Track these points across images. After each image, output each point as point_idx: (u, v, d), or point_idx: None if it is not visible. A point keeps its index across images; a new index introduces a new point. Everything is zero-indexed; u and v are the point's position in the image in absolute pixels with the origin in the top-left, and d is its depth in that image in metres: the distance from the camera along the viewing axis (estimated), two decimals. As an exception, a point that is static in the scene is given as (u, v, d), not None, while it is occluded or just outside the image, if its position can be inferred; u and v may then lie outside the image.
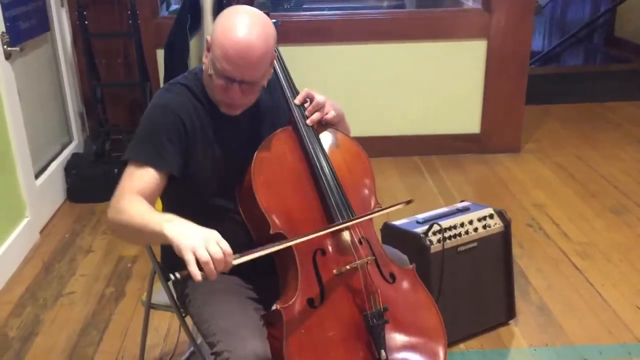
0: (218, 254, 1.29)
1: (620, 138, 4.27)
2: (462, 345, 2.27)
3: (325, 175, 1.57)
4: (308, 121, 1.62)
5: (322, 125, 1.66)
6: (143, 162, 1.48)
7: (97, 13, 3.68)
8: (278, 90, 1.66)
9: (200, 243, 1.29)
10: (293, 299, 1.44)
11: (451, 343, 2.24)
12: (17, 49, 2.94)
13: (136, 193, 1.45)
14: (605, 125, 4.55)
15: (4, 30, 2.88)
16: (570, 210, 3.28)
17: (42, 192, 3.23)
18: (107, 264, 2.88)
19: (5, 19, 2.92)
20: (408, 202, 1.57)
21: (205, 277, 1.29)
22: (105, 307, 2.56)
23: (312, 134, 1.61)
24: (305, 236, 1.45)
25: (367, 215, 1.57)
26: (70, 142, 3.78)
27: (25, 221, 3.01)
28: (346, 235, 1.54)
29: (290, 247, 1.47)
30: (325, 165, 1.58)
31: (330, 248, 1.53)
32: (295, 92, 1.67)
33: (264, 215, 1.49)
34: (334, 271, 1.49)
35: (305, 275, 1.48)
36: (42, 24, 3.42)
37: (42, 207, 3.22)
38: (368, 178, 1.69)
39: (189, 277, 1.28)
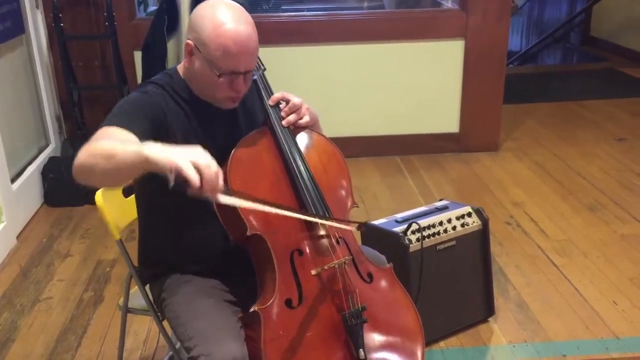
0: (214, 165, 1.24)
1: (597, 136, 4.33)
2: (442, 343, 2.28)
3: (301, 175, 1.56)
4: (284, 122, 1.62)
5: (297, 127, 1.66)
6: (117, 125, 1.40)
7: (73, 15, 3.64)
8: (253, 91, 1.65)
9: (192, 152, 1.24)
10: (271, 300, 1.44)
11: (431, 341, 2.26)
12: (-9, 51, 2.90)
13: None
14: (582, 123, 4.61)
15: (-23, 32, 2.84)
16: (548, 208, 3.31)
17: (18, 197, 3.19)
18: (85, 268, 2.85)
19: (-21, 22, 2.88)
20: (360, 227, 1.59)
21: (199, 190, 1.21)
22: (84, 312, 2.54)
23: (288, 135, 1.61)
24: (289, 212, 1.45)
25: (331, 220, 1.55)
26: (47, 145, 3.74)
27: (1, 226, 2.97)
28: (323, 235, 1.54)
29: (268, 248, 1.47)
30: (301, 165, 1.58)
31: (307, 249, 1.52)
32: (270, 93, 1.66)
33: (240, 216, 1.48)
34: (312, 271, 1.49)
35: (283, 276, 1.47)
36: (17, 26, 3.37)
37: (18, 212, 3.18)
38: (344, 178, 1.69)
39: (186, 184, 1.20)
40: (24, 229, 3.20)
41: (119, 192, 1.81)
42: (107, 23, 3.53)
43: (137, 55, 3.64)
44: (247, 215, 1.49)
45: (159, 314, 1.71)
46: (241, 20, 1.47)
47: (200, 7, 1.50)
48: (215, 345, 1.41)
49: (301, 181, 1.56)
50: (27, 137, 3.54)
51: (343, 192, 1.68)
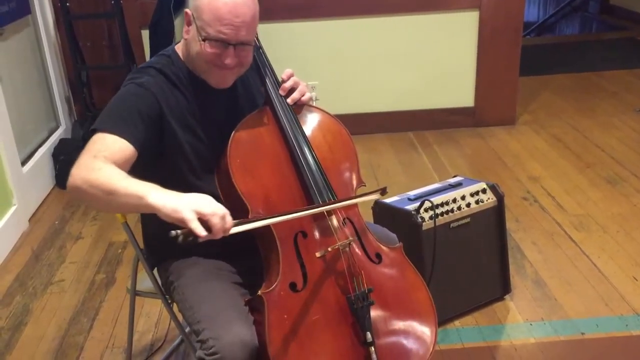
0: (219, 210, 1.24)
1: (616, 107, 4.22)
2: (457, 322, 2.24)
3: (304, 156, 1.52)
4: (288, 100, 1.57)
5: (299, 105, 1.60)
6: (111, 131, 1.39)
7: (79, -6, 3.59)
8: (254, 69, 1.59)
9: (197, 201, 1.24)
10: (275, 284, 1.40)
11: (446, 320, 2.22)
12: (-4, 33, 2.87)
13: (109, 159, 1.35)
14: (601, 94, 4.49)
15: (-19, 14, 2.81)
16: (565, 182, 3.24)
17: (29, 179, 3.18)
18: (97, 250, 2.84)
19: (-17, 3, 2.85)
20: (383, 192, 1.52)
21: (208, 237, 1.22)
22: (96, 294, 2.53)
23: (290, 114, 1.56)
24: (293, 213, 1.41)
25: (342, 201, 1.51)
26: (57, 127, 3.72)
27: (12, 209, 2.96)
28: (328, 216, 1.49)
29: (270, 231, 1.43)
30: (304, 145, 1.53)
31: (311, 230, 1.48)
32: (271, 70, 1.60)
33: (242, 199, 1.44)
34: (317, 254, 1.45)
35: (287, 259, 1.44)
36: (23, 7, 3.34)
37: (30, 195, 3.17)
38: (350, 157, 1.64)
39: (191, 234, 1.21)
40: (35, 211, 3.20)
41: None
42: (113, 1, 3.48)
43: (145, 34, 3.59)
44: (248, 198, 1.45)
45: (167, 297, 1.68)
46: None
47: None
48: (223, 328, 1.39)
49: (304, 162, 1.51)
50: (37, 119, 3.53)
51: (349, 172, 1.62)
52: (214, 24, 1.40)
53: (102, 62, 3.78)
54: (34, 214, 3.17)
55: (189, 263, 1.58)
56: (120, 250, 2.82)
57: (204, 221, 1.22)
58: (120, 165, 1.36)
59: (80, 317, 2.39)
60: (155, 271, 1.71)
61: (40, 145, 3.45)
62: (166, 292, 1.67)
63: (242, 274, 1.57)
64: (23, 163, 3.18)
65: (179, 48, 1.55)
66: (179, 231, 1.21)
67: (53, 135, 3.61)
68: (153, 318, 2.36)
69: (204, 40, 1.42)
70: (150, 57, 3.41)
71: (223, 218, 1.24)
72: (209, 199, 1.26)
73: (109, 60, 3.77)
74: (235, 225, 1.28)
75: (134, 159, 1.41)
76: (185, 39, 1.50)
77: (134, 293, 1.83)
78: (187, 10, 1.47)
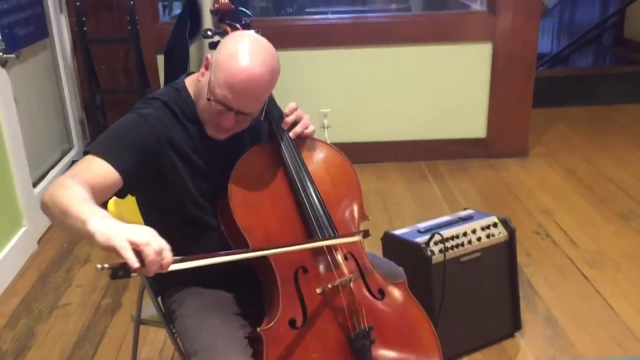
0: (155, 243, 1.13)
1: (630, 141, 4.18)
2: (465, 359, 2.20)
3: (306, 192, 1.49)
4: (291, 134, 1.55)
5: (302, 138, 1.59)
6: (101, 155, 1.38)
7: (97, 18, 3.65)
8: None
9: (133, 231, 1.14)
10: (274, 321, 1.38)
11: (454, 357, 2.18)
12: (13, 55, 2.90)
13: (85, 180, 1.32)
14: (615, 127, 4.46)
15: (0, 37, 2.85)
16: (578, 217, 3.20)
17: (40, 201, 3.18)
18: (104, 274, 2.80)
19: (2, 26, 2.89)
20: (365, 235, 1.49)
21: (142, 271, 1.12)
22: (101, 319, 2.51)
23: (292, 148, 1.54)
24: (269, 249, 1.36)
25: (318, 241, 1.46)
26: (70, 149, 3.74)
27: (22, 230, 2.97)
28: (328, 252, 1.47)
29: (270, 265, 1.41)
30: (306, 180, 1.51)
31: (312, 266, 1.46)
32: (274, 105, 1.60)
33: (242, 235, 1.43)
34: (317, 290, 1.42)
35: (287, 294, 1.41)
36: (41, 30, 3.38)
37: (40, 216, 3.13)
38: (353, 190, 1.61)
39: (122, 267, 1.10)
40: (45, 233, 3.20)
41: (132, 200, 1.77)
42: (130, 27, 3.52)
43: (160, 59, 3.62)
44: (249, 233, 1.43)
45: (170, 326, 1.66)
46: (259, 61, 1.38)
47: (236, 33, 1.48)
48: None
49: (305, 198, 1.49)
50: (50, 141, 3.55)
51: (352, 206, 1.60)
52: (223, 87, 1.38)
53: (117, 86, 3.81)
54: (43, 236, 3.17)
55: (191, 293, 1.57)
56: (127, 275, 2.80)
57: (137, 252, 1.12)
58: (100, 189, 1.34)
59: (85, 343, 2.37)
60: (160, 299, 1.69)
61: (52, 167, 3.47)
62: (169, 321, 1.66)
63: (245, 304, 1.55)
64: (35, 184, 3.19)
65: (189, 82, 1.54)
66: (106, 265, 1.10)
67: (66, 157, 3.63)
68: (157, 345, 2.33)
69: (208, 99, 1.41)
70: (165, 81, 3.45)
71: (159, 252, 1.13)
72: (148, 231, 1.16)
73: (123, 84, 3.81)
74: (178, 262, 1.18)
75: (117, 186, 1.39)
76: (199, 81, 1.49)
77: (139, 322, 1.82)
78: (208, 55, 1.45)
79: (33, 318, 2.53)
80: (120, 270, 1.11)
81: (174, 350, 2.15)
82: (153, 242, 1.13)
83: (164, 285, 1.65)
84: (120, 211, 1.69)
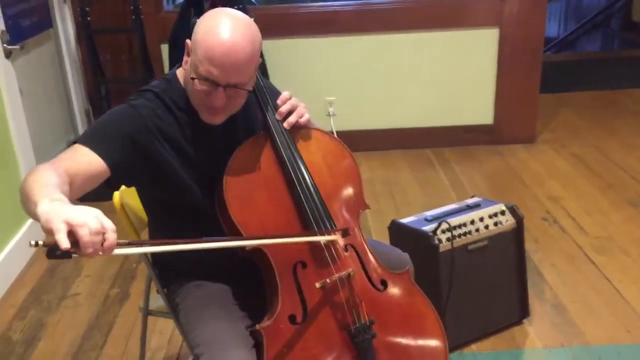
0: (94, 224, 1.06)
1: (638, 126, 4.14)
2: (473, 347, 2.20)
3: (301, 185, 1.47)
4: (285, 124, 1.51)
5: (297, 127, 1.55)
6: (86, 144, 1.37)
7: (100, 8, 3.64)
8: (252, 95, 1.53)
9: (73, 212, 1.07)
10: (274, 317, 1.37)
11: (462, 344, 2.18)
12: (18, 47, 2.90)
13: (64, 167, 1.30)
14: (623, 113, 4.42)
15: (3, 28, 2.84)
16: (586, 203, 3.18)
17: (47, 192, 3.19)
18: (112, 264, 2.83)
19: (6, 17, 2.88)
20: (344, 233, 1.46)
21: (79, 251, 1.06)
22: (110, 309, 2.52)
23: (286, 139, 1.50)
24: (249, 239, 1.36)
25: (296, 236, 1.45)
26: (76, 140, 3.74)
27: (29, 222, 2.97)
28: (329, 245, 1.45)
29: (268, 260, 1.40)
30: (301, 171, 1.48)
31: (311, 260, 1.44)
32: (269, 95, 1.56)
33: (237, 228, 1.41)
34: (317, 285, 1.40)
35: (286, 290, 1.40)
36: (45, 21, 3.38)
37: (47, 207, 3.18)
38: (352, 179, 1.57)
39: (57, 247, 1.03)
40: (52, 224, 3.20)
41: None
42: (133, 16, 3.51)
43: (165, 48, 3.62)
44: (243, 227, 1.42)
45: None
46: (238, 33, 1.35)
47: (210, 11, 1.42)
48: (220, 353, 1.37)
49: (301, 191, 1.46)
50: (56, 132, 3.55)
51: (351, 196, 1.56)
52: (205, 62, 1.34)
53: (122, 76, 3.81)
54: (50, 227, 3.18)
55: (194, 285, 1.57)
56: (134, 265, 2.82)
57: (73, 233, 1.06)
58: (84, 178, 1.33)
59: (94, 333, 2.38)
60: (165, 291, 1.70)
61: (58, 158, 3.47)
62: (174, 313, 1.66)
63: (248, 297, 1.54)
64: (41, 175, 3.19)
65: (180, 72, 1.51)
66: (40, 242, 1.04)
67: (71, 148, 3.63)
68: (166, 335, 2.34)
69: (192, 78, 1.38)
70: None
71: (96, 233, 1.07)
72: (91, 212, 1.09)
73: (128, 74, 3.80)
74: (124, 246, 1.14)
75: (104, 175, 1.38)
76: (185, 69, 1.46)
77: (147, 312, 1.82)
78: (187, 40, 1.42)
79: (42, 309, 2.54)
80: (57, 250, 1.05)
81: (182, 340, 2.17)
82: (91, 222, 1.07)
83: (168, 278, 1.65)
84: (126, 200, 1.69)
